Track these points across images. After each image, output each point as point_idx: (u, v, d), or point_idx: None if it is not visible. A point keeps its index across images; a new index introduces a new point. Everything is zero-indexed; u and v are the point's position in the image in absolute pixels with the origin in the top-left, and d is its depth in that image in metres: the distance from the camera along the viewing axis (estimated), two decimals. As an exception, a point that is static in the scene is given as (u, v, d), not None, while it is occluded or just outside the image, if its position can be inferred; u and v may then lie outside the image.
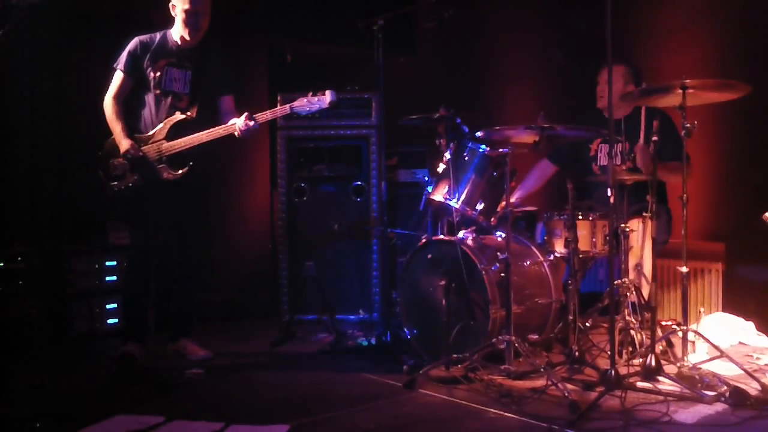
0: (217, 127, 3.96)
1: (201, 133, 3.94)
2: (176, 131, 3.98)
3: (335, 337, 4.45)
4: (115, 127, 4.00)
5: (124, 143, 3.96)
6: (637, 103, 4.10)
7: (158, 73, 4.01)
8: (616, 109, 4.16)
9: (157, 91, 4.02)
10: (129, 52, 4.04)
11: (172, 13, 4.02)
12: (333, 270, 4.78)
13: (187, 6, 3.93)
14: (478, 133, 3.77)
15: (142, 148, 3.98)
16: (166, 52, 4.05)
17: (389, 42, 4.29)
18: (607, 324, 3.30)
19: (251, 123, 3.90)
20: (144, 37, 4.07)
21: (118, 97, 4.04)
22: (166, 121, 3.99)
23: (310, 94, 3.91)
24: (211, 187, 4.58)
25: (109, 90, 4.05)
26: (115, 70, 4.05)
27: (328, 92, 3.89)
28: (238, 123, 3.91)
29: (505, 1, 5.84)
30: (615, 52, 3.11)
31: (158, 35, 4.08)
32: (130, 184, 3.99)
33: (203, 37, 4.06)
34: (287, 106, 3.96)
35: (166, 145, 3.96)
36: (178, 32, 4.04)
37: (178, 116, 4.00)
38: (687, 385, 3.17)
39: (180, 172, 3.96)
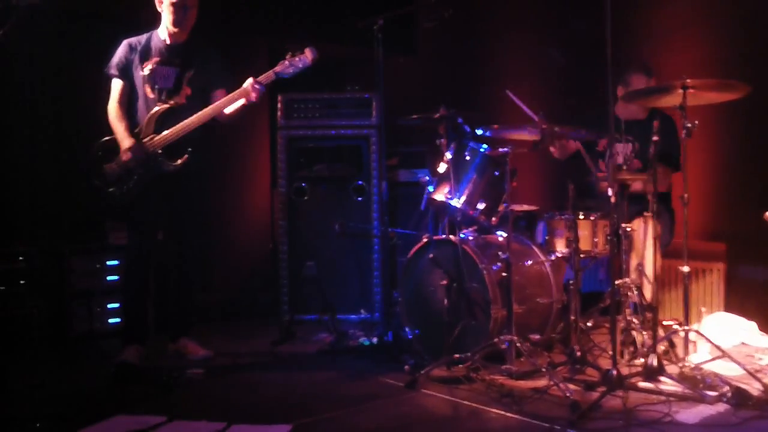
0: (204, 110, 3.93)
1: (189, 118, 3.92)
2: (162, 122, 3.95)
3: (336, 337, 4.44)
4: (118, 127, 3.97)
5: (126, 142, 3.93)
6: (638, 102, 4.09)
7: (147, 73, 4.00)
8: (633, 113, 4.17)
9: (148, 91, 4.00)
10: (119, 56, 4.04)
11: (159, 9, 4.00)
12: (333, 270, 4.77)
13: None
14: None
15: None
16: (154, 51, 4.04)
17: (389, 42, 4.29)
18: (609, 324, 3.30)
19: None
20: (132, 39, 4.07)
21: (122, 102, 4.04)
22: (148, 116, 3.96)
23: (289, 54, 3.90)
24: (211, 176, 4.56)
25: (111, 98, 4.04)
26: (109, 77, 4.04)
27: (307, 50, 3.89)
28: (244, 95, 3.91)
29: (505, 1, 5.84)
30: (615, 52, 3.10)
31: (145, 36, 4.08)
32: (132, 185, 3.97)
33: (190, 33, 4.05)
34: (270, 71, 3.94)
35: (157, 138, 3.94)
36: (165, 29, 4.03)
37: (159, 108, 3.96)
38: (689, 386, 3.16)
39: (179, 161, 3.94)
